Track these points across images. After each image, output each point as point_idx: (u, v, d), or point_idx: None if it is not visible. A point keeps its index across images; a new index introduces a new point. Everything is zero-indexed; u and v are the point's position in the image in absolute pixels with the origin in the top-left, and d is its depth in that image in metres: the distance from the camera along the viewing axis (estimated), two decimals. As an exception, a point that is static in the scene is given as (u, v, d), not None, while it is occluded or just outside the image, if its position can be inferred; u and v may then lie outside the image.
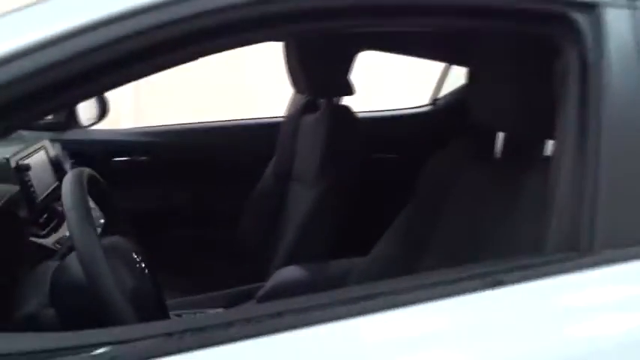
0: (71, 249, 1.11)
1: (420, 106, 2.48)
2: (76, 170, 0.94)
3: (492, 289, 0.68)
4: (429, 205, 1.33)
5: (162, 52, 0.69)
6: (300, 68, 1.71)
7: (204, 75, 3.37)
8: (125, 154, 2.11)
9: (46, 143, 1.43)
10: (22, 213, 1.12)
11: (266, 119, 2.28)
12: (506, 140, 1.18)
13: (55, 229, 1.23)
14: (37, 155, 1.33)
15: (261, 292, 1.47)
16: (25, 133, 1.95)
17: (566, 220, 0.74)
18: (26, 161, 1.23)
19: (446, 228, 1.28)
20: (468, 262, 1.14)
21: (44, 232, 1.20)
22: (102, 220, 1.28)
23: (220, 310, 1.54)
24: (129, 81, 0.74)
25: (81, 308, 0.84)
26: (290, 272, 1.53)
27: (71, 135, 2.04)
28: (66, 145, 1.95)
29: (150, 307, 0.99)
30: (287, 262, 1.67)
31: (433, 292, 0.69)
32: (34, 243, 1.15)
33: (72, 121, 2.08)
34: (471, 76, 1.18)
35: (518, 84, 1.03)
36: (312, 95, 1.79)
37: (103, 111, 2.17)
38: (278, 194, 1.97)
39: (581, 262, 0.72)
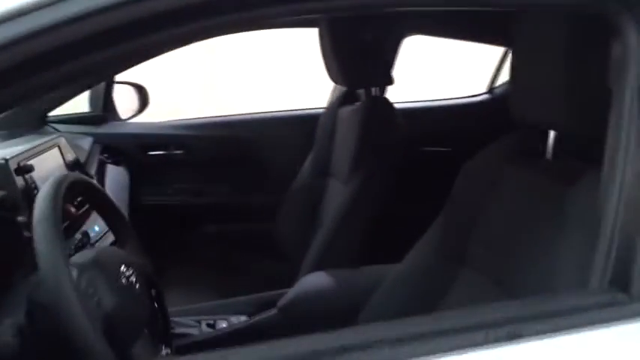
0: (78, 248, 1.04)
1: (474, 95, 2.27)
2: (55, 178, 0.86)
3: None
4: (466, 212, 1.17)
5: (166, 24, 0.59)
6: (332, 56, 1.58)
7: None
8: (160, 148, 2.06)
9: (61, 141, 1.38)
10: (23, 216, 1.07)
11: (306, 110, 2.16)
12: (556, 140, 0.99)
13: (66, 232, 1.17)
14: (47, 154, 1.28)
15: (283, 301, 1.37)
16: (60, 127, 1.95)
17: (615, 251, 0.57)
18: (31, 161, 1.18)
19: (483, 240, 1.12)
20: (505, 281, 1.00)
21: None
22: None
23: (243, 317, 1.45)
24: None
25: (52, 331, 0.76)
26: (314, 280, 1.41)
27: (106, 129, 2.01)
28: (99, 139, 1.92)
29: (133, 324, 0.90)
30: (316, 265, 1.56)
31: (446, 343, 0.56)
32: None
33: (109, 114, 2.05)
34: (514, 64, 1.00)
35: (568, 72, 0.85)
36: (346, 86, 1.65)
37: (143, 103, 2.13)
38: (315, 190, 1.86)
39: (632, 308, 0.55)
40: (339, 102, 1.83)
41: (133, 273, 0.93)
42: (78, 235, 1.06)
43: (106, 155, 1.92)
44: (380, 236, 1.56)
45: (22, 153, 1.19)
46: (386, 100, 1.63)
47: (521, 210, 1.03)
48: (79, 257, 0.88)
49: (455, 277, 1.16)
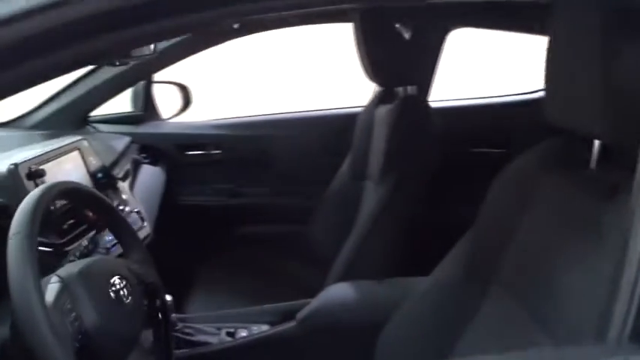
0: (84, 255, 1.02)
1: (533, 92, 2.09)
2: (38, 189, 0.82)
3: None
4: (497, 226, 1.05)
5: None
6: (364, 52, 1.48)
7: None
8: (198, 148, 2.03)
9: (83, 143, 1.37)
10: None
11: (346, 109, 2.07)
12: (602, 147, 0.86)
13: (79, 237, 1.15)
14: (65, 158, 1.26)
15: (302, 313, 1.30)
16: (101, 126, 1.97)
17: (638, 301, 0.46)
18: (47, 165, 1.17)
19: (512, 258, 1.00)
20: (532, 307, 0.88)
21: (64, 240, 1.13)
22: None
23: (264, 327, 1.39)
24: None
25: (27, 348, 0.73)
26: (336, 292, 1.33)
27: (145, 128, 2.02)
28: (137, 139, 1.92)
29: (119, 340, 0.86)
30: (343, 272, 1.48)
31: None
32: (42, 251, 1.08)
33: (149, 114, 2.06)
34: (550, 59, 0.86)
35: (609, 71, 0.72)
36: (378, 84, 1.55)
37: (186, 102, 2.12)
38: (351, 194, 1.77)
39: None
40: (377, 101, 1.72)
41: (125, 285, 0.89)
42: (84, 242, 1.03)
43: (143, 155, 1.92)
44: (414, 243, 1.45)
45: (37, 157, 1.17)
46: (419, 99, 1.51)
47: (555, 227, 0.91)
48: (66, 270, 0.84)
49: (482, 298, 1.05)
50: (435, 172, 1.48)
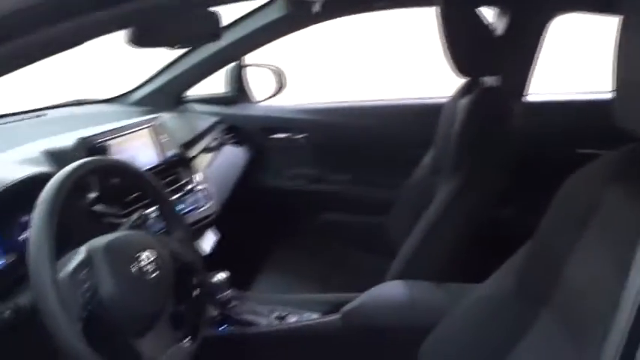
0: (132, 228, 1.08)
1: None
2: (71, 166, 0.87)
3: None
4: (555, 241, 0.93)
5: None
6: (444, 38, 1.38)
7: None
8: (283, 131, 2.05)
9: (156, 121, 1.44)
10: (93, 193, 1.13)
11: (432, 99, 1.96)
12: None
13: (139, 210, 1.21)
14: (136, 134, 1.33)
15: (348, 307, 1.26)
16: (195, 106, 2.07)
17: None
18: (114, 141, 1.24)
19: (568, 279, 0.88)
20: (580, 337, 0.77)
21: (124, 212, 1.20)
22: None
23: (315, 315, 1.37)
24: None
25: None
26: (388, 289, 1.28)
27: (234, 110, 2.08)
28: (225, 120, 1.99)
29: (138, 314, 0.89)
30: (402, 269, 1.41)
31: None
32: (100, 219, 1.15)
33: (240, 95, 2.11)
34: (621, 51, 0.73)
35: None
36: (460, 73, 1.43)
37: (280, 86, 2.15)
38: (430, 188, 1.68)
39: None
40: (463, 91, 1.61)
41: (153, 261, 0.92)
42: (135, 216, 1.09)
43: (229, 135, 1.98)
44: (475, 247, 1.35)
45: (104, 133, 1.26)
46: (499, 92, 1.38)
47: (615, 248, 0.78)
48: (95, 242, 0.89)
49: (532, 319, 0.95)
50: (512, 173, 1.36)
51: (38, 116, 1.64)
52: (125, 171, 1.04)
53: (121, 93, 2.01)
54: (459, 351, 1.06)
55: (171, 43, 1.07)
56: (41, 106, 1.77)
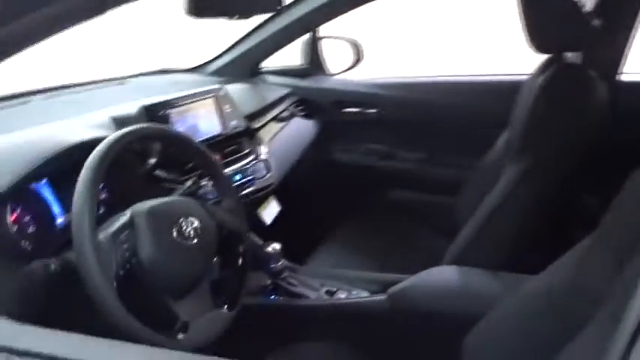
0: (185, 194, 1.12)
1: None
2: (123, 130, 0.91)
3: None
4: (618, 235, 0.85)
5: None
6: (524, 12, 1.28)
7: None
8: (355, 105, 2.02)
9: (220, 91, 1.46)
10: (154, 158, 1.18)
11: (511, 76, 1.84)
12: None
13: (193, 177, 1.25)
14: (199, 104, 1.36)
15: (394, 288, 1.24)
16: (270, 77, 2.09)
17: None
18: (177, 110, 1.28)
19: (627, 279, 0.80)
20: None
21: (183, 178, 1.24)
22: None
23: (364, 293, 1.36)
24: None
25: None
26: (439, 274, 1.24)
27: (307, 82, 2.07)
28: (297, 92, 1.99)
29: (176, 277, 0.92)
30: (458, 254, 1.35)
31: None
32: (160, 184, 1.20)
33: (314, 68, 2.10)
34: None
35: None
36: (537, 50, 1.32)
37: (357, 59, 2.11)
38: (500, 170, 1.59)
39: None
40: (543, 69, 1.49)
41: (196, 227, 0.95)
42: (188, 183, 1.13)
43: (299, 108, 1.98)
44: (535, 235, 1.26)
45: (168, 101, 1.29)
46: (580, 70, 1.26)
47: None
48: (139, 205, 0.93)
49: (586, 320, 0.87)
50: (588, 158, 1.24)
51: (121, 83, 1.73)
52: (169, 139, 1.07)
53: (201, 63, 2.07)
54: (507, 345, 1.00)
55: (229, 13, 1.07)
56: (129, 74, 1.87)
